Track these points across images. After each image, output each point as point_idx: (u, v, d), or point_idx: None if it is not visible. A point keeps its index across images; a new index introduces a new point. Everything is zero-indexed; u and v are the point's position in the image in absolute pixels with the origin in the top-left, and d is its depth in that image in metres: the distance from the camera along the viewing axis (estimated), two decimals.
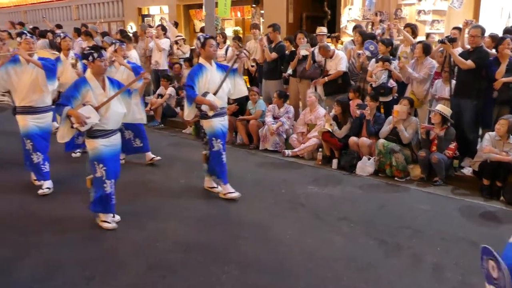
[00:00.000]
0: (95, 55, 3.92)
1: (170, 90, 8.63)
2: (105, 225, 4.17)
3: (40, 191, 4.99)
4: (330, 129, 6.22)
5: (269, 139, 6.88)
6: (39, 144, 5.00)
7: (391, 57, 6.45)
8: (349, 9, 10.39)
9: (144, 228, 4.21)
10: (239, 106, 7.33)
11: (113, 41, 6.36)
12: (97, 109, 3.87)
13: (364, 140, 5.96)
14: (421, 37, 7.69)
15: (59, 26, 13.00)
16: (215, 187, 5.10)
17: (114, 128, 4.07)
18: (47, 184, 5.07)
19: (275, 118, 6.96)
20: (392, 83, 6.34)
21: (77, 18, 18.89)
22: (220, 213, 4.62)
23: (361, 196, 5.10)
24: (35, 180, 5.23)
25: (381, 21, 8.42)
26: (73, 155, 6.37)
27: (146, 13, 17.05)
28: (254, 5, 13.41)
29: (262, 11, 13.20)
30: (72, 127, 3.83)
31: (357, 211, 4.62)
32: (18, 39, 4.99)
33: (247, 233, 4.12)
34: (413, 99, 5.94)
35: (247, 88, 6.19)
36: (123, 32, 10.15)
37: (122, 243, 3.93)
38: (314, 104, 6.69)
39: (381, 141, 5.74)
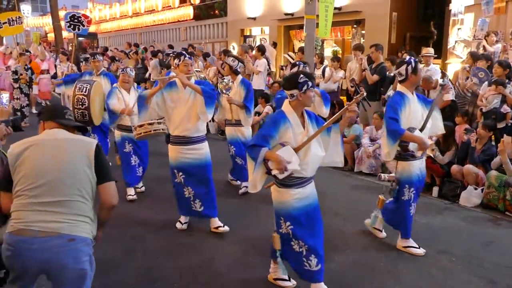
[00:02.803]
0: (309, 83, 3.11)
1: (267, 108, 8.84)
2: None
3: (178, 226, 4.60)
4: (432, 155, 5.87)
5: (365, 161, 6.70)
6: (190, 179, 4.44)
7: (506, 80, 5.94)
8: (458, 29, 9.80)
9: (241, 242, 4.34)
10: None
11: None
12: (296, 150, 3.12)
13: (470, 168, 5.50)
14: None
15: (170, 46, 14.12)
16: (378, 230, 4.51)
17: (311, 176, 3.28)
18: (184, 219, 4.63)
19: (372, 140, 6.77)
20: (506, 108, 5.82)
21: (184, 39, 20.39)
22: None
23: (464, 229, 4.71)
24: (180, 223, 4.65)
25: (496, 41, 7.81)
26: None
27: (248, 34, 17.80)
28: (355, 26, 13.30)
29: (363, 31, 13.04)
30: (268, 173, 3.12)
31: (459, 245, 4.27)
32: (176, 61, 4.33)
33: (343, 259, 4.04)
34: None
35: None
36: (226, 52, 10.69)
37: (218, 255, 4.08)
38: None
39: (493, 173, 5.25)
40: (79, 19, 10.30)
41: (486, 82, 6.06)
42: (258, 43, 13.41)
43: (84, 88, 5.46)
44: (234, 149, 5.70)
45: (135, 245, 4.26)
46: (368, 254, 4.12)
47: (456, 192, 5.55)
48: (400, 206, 4.11)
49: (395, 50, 11.18)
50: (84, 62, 7.74)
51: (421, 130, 3.85)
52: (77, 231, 2.29)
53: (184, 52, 4.35)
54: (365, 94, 3.31)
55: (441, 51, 10.40)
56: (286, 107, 3.21)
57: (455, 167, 5.68)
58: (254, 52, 10.16)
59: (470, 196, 5.38)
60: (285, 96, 3.30)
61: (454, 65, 8.71)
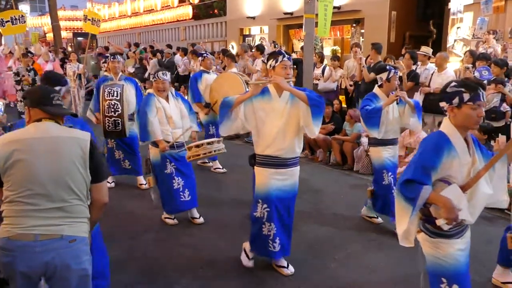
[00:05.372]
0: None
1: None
2: None
3: (245, 262, 3.80)
4: None
5: (364, 160, 6.69)
6: (275, 212, 3.52)
7: (505, 79, 5.95)
8: (458, 27, 9.81)
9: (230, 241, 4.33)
10: (335, 125, 7.27)
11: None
12: (464, 190, 2.37)
13: None
14: None
15: (169, 46, 14.11)
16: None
17: (473, 221, 2.51)
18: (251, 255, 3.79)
19: None
20: (505, 107, 5.83)
21: (184, 38, 20.40)
22: (309, 235, 4.58)
23: None
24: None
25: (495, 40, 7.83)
26: None
27: (247, 33, 17.80)
28: (354, 25, 13.31)
29: (363, 30, 13.05)
30: (428, 220, 2.40)
31: None
32: (272, 62, 3.40)
33: (339, 256, 4.04)
34: None
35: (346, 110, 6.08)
36: (225, 51, 10.68)
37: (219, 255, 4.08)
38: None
39: None
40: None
41: (486, 81, 6.05)
42: (257, 43, 13.40)
43: (115, 92, 4.79)
44: None
45: (135, 245, 4.25)
46: (369, 254, 4.12)
47: None
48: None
49: (394, 49, 11.18)
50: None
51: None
52: (77, 231, 2.27)
53: (282, 51, 3.49)
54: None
55: (440, 50, 10.39)
56: (447, 127, 2.41)
57: None
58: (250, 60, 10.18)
59: None
60: None
61: (454, 64, 8.70)
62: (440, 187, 2.29)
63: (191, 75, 7.67)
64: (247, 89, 5.70)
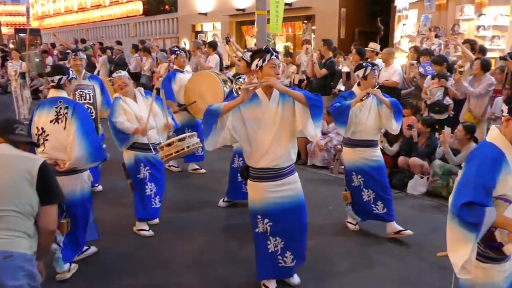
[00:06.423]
0: None
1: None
2: None
3: None
4: (380, 146, 6.06)
5: (317, 154, 6.82)
6: (279, 226, 3.19)
7: (448, 73, 6.24)
8: (403, 24, 10.19)
9: (195, 241, 4.30)
10: None
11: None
12: None
13: (415, 160, 5.75)
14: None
15: (119, 43, 13.72)
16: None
17: None
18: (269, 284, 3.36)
19: (324, 133, 6.90)
20: (448, 100, 6.11)
21: (134, 35, 19.90)
22: None
23: (413, 217, 4.92)
24: None
25: (436, 36, 8.19)
26: None
27: (199, 29, 17.63)
28: (306, 21, 13.51)
29: (314, 27, 13.27)
30: (492, 247, 2.11)
31: None
32: (258, 61, 3.03)
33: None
34: (472, 125, 5.64)
35: None
36: (175, 48, 10.46)
37: (177, 255, 4.02)
38: None
39: (437, 162, 5.52)
40: None
41: (430, 76, 6.33)
42: (210, 39, 13.29)
43: (87, 95, 4.54)
44: (242, 162, 4.58)
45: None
46: (328, 242, 4.22)
47: (404, 181, 5.79)
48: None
49: (345, 45, 11.46)
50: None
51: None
52: (15, 247, 2.19)
53: (270, 49, 3.07)
54: None
55: (388, 46, 10.76)
56: (498, 139, 2.13)
57: (401, 159, 5.91)
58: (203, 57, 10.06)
59: (417, 185, 5.63)
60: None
61: (400, 60, 9.04)
62: (501, 207, 1.99)
63: (164, 76, 7.30)
64: (224, 88, 5.58)
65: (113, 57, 11.92)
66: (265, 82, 2.92)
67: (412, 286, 3.48)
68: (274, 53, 3.02)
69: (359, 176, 4.30)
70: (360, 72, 4.16)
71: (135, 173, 4.26)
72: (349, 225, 4.58)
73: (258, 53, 3.07)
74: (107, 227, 4.45)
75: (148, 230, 4.36)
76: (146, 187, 4.28)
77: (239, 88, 4.24)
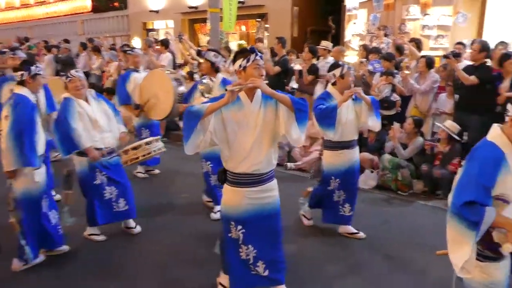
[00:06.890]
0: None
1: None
2: None
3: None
4: None
5: (279, 152, 6.84)
6: (253, 234, 3.02)
7: (395, 71, 6.46)
8: (354, 23, 10.47)
9: (152, 244, 4.19)
10: None
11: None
12: None
13: (365, 155, 5.89)
14: (425, 52, 7.72)
15: (66, 41, 13.17)
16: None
17: None
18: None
19: None
20: (395, 96, 6.32)
21: (82, 33, 19.18)
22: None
23: (364, 210, 5.02)
24: None
25: (385, 35, 8.47)
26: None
27: (151, 27, 17.27)
28: (259, 19, 13.57)
29: (267, 25, 13.35)
30: (490, 247, 2.17)
31: (360, 225, 4.53)
32: (241, 62, 2.85)
33: None
34: (420, 119, 5.87)
35: None
36: (125, 47, 10.18)
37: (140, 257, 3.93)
38: None
39: (387, 156, 5.70)
40: None
41: (378, 73, 6.53)
42: (162, 37, 13.06)
43: None
44: (211, 165, 4.57)
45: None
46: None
47: None
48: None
49: (297, 43, 11.61)
50: None
51: None
52: None
53: (254, 48, 2.92)
54: None
55: (339, 45, 11.01)
56: (499, 138, 2.15)
57: None
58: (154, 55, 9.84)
59: (367, 179, 5.78)
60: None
61: (351, 57, 9.27)
62: (499, 207, 2.04)
63: (120, 74, 7.02)
64: (178, 87, 5.44)
65: (59, 55, 11.42)
66: (252, 84, 2.72)
67: (366, 278, 3.57)
68: (259, 53, 2.87)
69: (337, 180, 4.22)
70: (337, 71, 4.03)
71: (90, 179, 4.02)
72: (304, 219, 4.61)
73: (242, 53, 2.90)
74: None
75: (99, 235, 4.21)
76: (104, 191, 4.08)
77: (205, 89, 4.26)
